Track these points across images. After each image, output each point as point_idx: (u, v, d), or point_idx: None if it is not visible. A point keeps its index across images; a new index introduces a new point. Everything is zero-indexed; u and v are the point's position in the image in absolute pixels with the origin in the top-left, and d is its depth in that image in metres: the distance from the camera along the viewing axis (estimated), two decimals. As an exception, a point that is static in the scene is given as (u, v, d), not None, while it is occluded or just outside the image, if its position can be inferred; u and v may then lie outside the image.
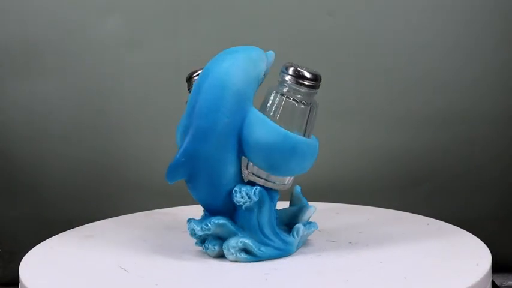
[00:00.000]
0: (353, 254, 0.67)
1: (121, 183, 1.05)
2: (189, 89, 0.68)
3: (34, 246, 0.72)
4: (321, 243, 0.71)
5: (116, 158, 1.05)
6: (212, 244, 0.67)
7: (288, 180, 0.67)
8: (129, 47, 1.02)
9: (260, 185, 0.66)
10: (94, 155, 1.05)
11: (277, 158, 0.64)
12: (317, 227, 0.70)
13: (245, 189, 0.65)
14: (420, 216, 0.82)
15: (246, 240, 0.65)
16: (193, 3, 1.01)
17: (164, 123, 1.03)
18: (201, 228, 0.66)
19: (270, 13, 1.01)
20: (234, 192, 0.65)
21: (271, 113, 0.65)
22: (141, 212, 0.88)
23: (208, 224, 0.66)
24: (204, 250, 0.68)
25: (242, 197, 0.65)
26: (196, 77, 0.67)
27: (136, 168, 1.05)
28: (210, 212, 0.67)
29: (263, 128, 0.63)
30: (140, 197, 1.05)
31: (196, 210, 0.70)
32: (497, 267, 0.72)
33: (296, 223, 0.69)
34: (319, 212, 0.72)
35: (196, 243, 0.68)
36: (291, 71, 0.65)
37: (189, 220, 0.67)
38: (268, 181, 0.66)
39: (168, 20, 1.02)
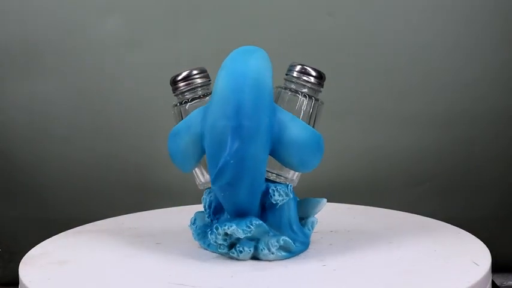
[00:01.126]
0: (352, 254, 0.67)
1: (121, 183, 1.05)
2: (176, 93, 0.68)
3: (34, 246, 0.72)
4: (319, 243, 0.70)
5: (115, 158, 1.05)
6: (248, 246, 0.65)
7: (297, 175, 0.68)
8: (129, 47, 1.02)
9: (271, 181, 0.66)
10: (94, 155, 1.05)
11: (307, 154, 0.65)
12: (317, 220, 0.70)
13: (280, 187, 0.65)
14: (420, 216, 0.82)
15: (286, 238, 0.65)
16: (193, 3, 1.01)
17: (164, 123, 1.03)
18: (243, 231, 0.64)
19: (270, 13, 1.01)
20: (271, 191, 0.65)
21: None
22: (141, 212, 0.88)
23: (251, 226, 0.64)
24: (232, 254, 0.65)
25: (280, 195, 0.65)
26: (184, 82, 0.67)
27: (136, 168, 1.05)
28: (237, 214, 0.65)
29: (295, 126, 0.64)
30: (140, 197, 1.05)
31: (197, 210, 0.70)
32: (497, 267, 0.72)
33: (306, 217, 0.69)
34: (319, 212, 0.72)
35: (219, 249, 0.66)
36: (298, 67, 0.66)
37: (217, 227, 0.64)
38: (280, 176, 0.66)
39: (168, 20, 1.02)
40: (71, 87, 1.03)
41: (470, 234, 0.72)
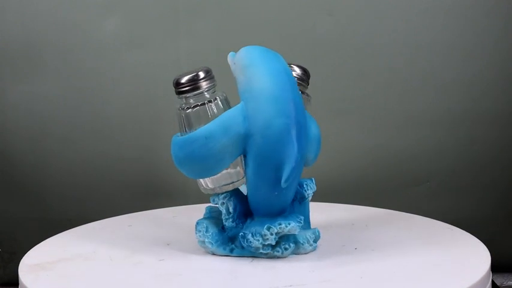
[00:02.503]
0: (352, 253, 0.67)
1: (121, 183, 1.05)
2: (180, 97, 0.65)
3: (34, 246, 0.72)
4: (319, 242, 0.70)
5: (115, 158, 1.05)
6: (291, 242, 0.65)
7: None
8: (129, 47, 1.02)
9: None
10: (94, 155, 1.05)
11: (319, 148, 0.67)
12: None
13: (309, 182, 0.67)
14: (420, 216, 0.81)
15: (317, 229, 0.67)
16: (193, 3, 1.01)
17: (164, 123, 1.03)
18: (298, 227, 0.63)
19: (270, 13, 1.01)
20: (305, 186, 0.66)
21: None
22: (141, 212, 0.88)
23: (301, 222, 0.64)
24: (277, 253, 0.64)
25: (311, 189, 0.67)
26: (189, 86, 0.64)
27: (136, 168, 1.05)
28: (279, 212, 0.64)
29: (313, 123, 0.66)
30: (140, 197, 1.05)
31: (196, 210, 0.70)
32: (497, 267, 0.72)
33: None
34: (319, 212, 0.72)
35: (262, 250, 0.64)
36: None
37: (269, 227, 0.64)
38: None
39: (168, 20, 1.02)
40: (71, 87, 1.03)
41: (470, 234, 0.72)
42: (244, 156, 0.63)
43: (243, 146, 0.62)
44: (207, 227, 0.67)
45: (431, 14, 1.00)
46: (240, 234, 0.65)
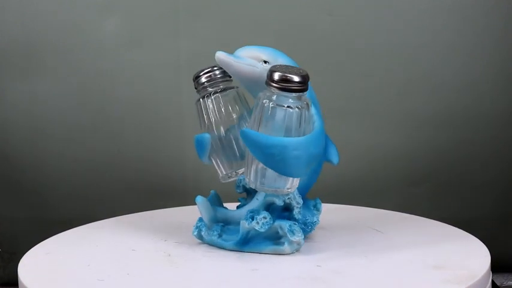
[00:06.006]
0: (351, 253, 0.67)
1: (121, 183, 1.05)
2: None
3: (34, 246, 0.72)
4: (320, 242, 0.70)
5: (115, 158, 1.05)
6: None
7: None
8: (129, 47, 1.02)
9: None
10: (94, 155, 1.05)
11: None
12: None
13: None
14: (419, 216, 0.81)
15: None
16: (193, 3, 1.01)
17: (164, 123, 1.03)
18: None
19: (270, 13, 1.01)
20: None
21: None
22: (140, 213, 0.88)
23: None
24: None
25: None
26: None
27: (136, 168, 1.05)
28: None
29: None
30: (140, 197, 1.05)
31: (196, 210, 0.70)
32: (497, 267, 0.72)
33: None
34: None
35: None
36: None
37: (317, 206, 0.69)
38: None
39: (168, 20, 1.02)
40: (71, 87, 1.03)
41: (470, 234, 0.72)
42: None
43: None
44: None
45: (431, 14, 1.00)
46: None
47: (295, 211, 0.67)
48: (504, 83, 1.02)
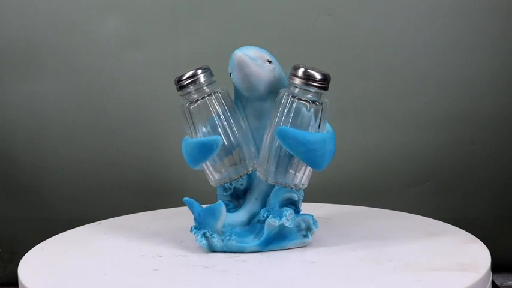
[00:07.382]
0: (351, 253, 0.67)
1: (121, 183, 1.05)
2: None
3: (34, 246, 0.72)
4: (320, 241, 0.70)
5: (115, 158, 1.05)
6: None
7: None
8: (129, 47, 1.02)
9: None
10: (94, 155, 1.05)
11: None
12: None
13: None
14: (420, 216, 0.81)
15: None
16: (193, 3, 1.01)
17: (164, 123, 1.03)
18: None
19: (270, 13, 1.01)
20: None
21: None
22: (140, 213, 0.88)
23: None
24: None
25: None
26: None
27: (136, 168, 1.05)
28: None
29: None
30: (140, 197, 1.05)
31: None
32: (497, 267, 0.72)
33: None
34: (318, 212, 0.72)
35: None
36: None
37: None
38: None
39: (168, 20, 1.02)
40: (71, 87, 1.03)
41: (470, 234, 0.72)
42: None
43: None
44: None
45: (431, 14, 1.00)
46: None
47: (300, 204, 0.69)
48: (504, 83, 1.02)
